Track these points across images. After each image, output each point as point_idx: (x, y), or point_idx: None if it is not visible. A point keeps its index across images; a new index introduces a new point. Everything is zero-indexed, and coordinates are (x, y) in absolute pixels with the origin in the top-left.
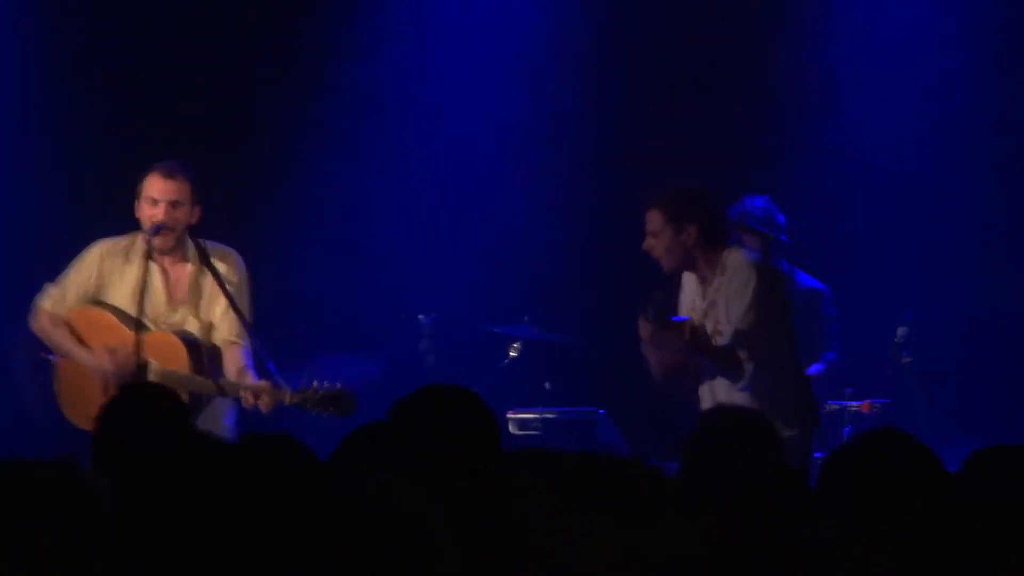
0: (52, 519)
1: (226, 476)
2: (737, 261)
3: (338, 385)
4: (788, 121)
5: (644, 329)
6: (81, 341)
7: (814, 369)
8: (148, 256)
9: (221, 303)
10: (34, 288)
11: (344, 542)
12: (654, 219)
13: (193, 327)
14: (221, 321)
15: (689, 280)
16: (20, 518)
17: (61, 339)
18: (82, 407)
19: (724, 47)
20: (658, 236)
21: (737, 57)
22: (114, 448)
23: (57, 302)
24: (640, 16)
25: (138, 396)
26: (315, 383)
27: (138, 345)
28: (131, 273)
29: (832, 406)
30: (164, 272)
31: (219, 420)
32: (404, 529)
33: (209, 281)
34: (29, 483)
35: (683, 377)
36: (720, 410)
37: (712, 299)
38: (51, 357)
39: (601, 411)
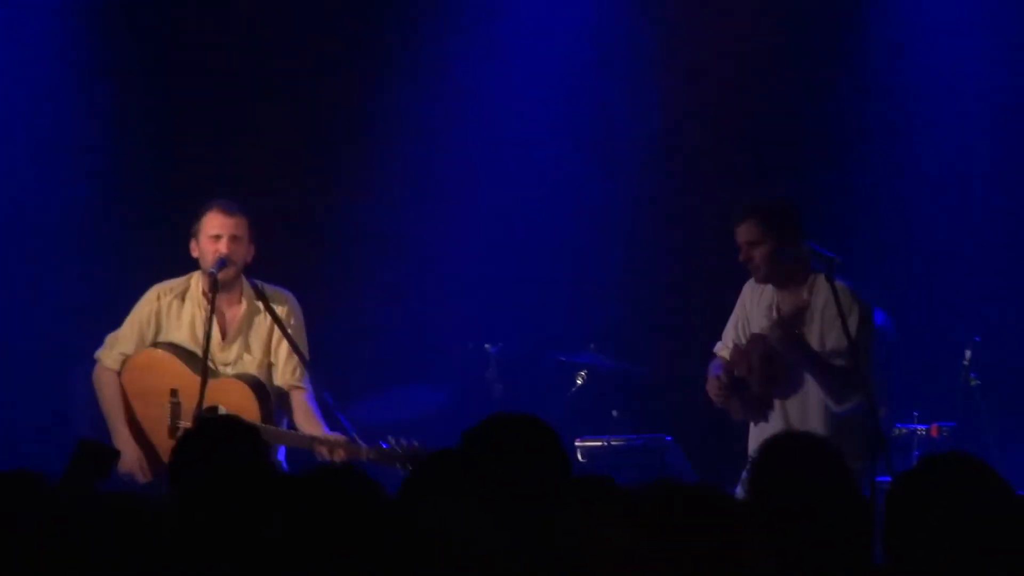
0: (119, 549)
1: (299, 507)
2: (833, 287)
3: (415, 443)
4: (854, 140)
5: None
6: (140, 392)
7: None
8: (206, 295)
9: (284, 346)
10: (99, 324)
11: (412, 570)
12: (751, 230)
13: (250, 365)
14: (285, 365)
15: (752, 294)
16: (88, 548)
17: (110, 407)
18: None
19: (788, 61)
20: (758, 246)
21: (802, 73)
22: (189, 480)
23: (117, 355)
24: (715, 49)
25: (215, 430)
26: (391, 440)
27: (203, 389)
28: (187, 315)
29: (900, 430)
30: (219, 311)
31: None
32: (471, 557)
33: (261, 319)
34: (97, 514)
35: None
36: (788, 436)
37: (789, 313)
38: None
39: (669, 438)
